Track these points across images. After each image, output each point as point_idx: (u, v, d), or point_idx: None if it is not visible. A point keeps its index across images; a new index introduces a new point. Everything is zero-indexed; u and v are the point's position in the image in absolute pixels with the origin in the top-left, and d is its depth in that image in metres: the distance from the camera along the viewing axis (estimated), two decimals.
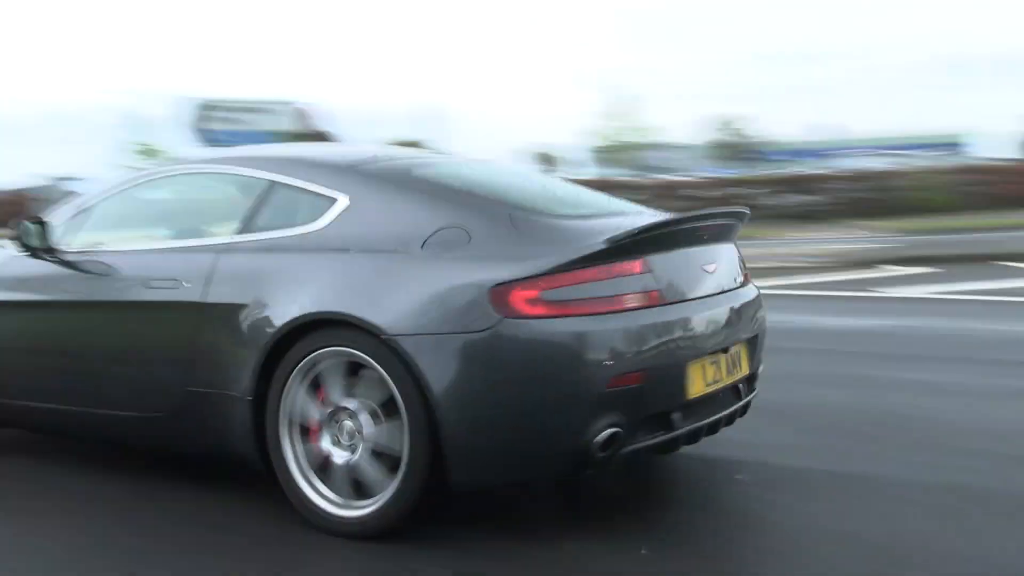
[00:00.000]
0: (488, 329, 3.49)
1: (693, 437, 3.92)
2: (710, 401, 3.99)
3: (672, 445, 3.87)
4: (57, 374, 4.56)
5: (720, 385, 4.01)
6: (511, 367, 3.49)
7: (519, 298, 3.53)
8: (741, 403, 4.25)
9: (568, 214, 3.96)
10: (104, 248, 4.57)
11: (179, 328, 4.12)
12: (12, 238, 4.79)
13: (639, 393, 3.60)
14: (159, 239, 4.52)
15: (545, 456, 3.58)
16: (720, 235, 4.25)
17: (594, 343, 3.51)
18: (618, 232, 3.67)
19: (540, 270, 3.56)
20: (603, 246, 3.62)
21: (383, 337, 3.57)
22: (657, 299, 3.75)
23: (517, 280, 3.53)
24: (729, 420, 4.16)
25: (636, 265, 3.73)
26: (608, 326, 3.56)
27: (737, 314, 4.16)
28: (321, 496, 3.90)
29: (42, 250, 4.69)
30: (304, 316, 3.75)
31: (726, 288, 4.20)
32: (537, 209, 3.92)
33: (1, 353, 4.78)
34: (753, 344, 4.33)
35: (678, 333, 3.77)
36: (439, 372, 3.52)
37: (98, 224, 4.73)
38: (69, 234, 4.73)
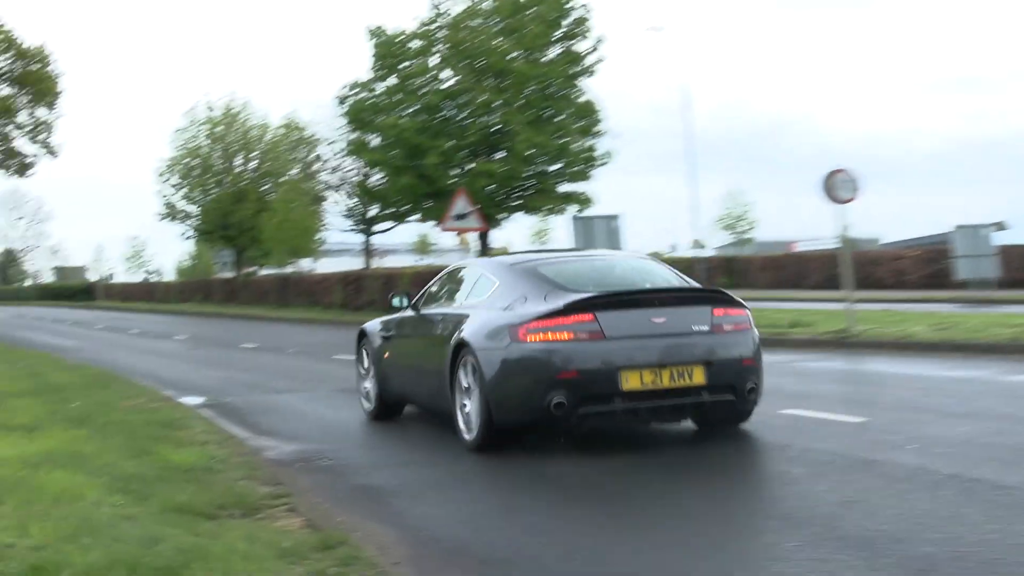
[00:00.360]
0: (507, 346, 8.43)
1: (634, 415, 8.48)
2: (651, 396, 8.41)
3: (619, 417, 8.43)
4: (420, 376, 10.39)
5: (659, 387, 8.43)
6: (514, 365, 8.37)
7: (520, 332, 8.43)
8: (691, 400, 8.60)
9: (580, 288, 8.83)
10: (430, 310, 10.53)
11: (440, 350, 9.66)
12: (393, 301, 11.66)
13: (577, 383, 8.24)
14: (443, 306, 10.35)
15: (529, 410, 8.38)
16: (683, 302, 8.72)
17: (550, 355, 8.26)
18: (584, 298, 8.44)
19: (530, 318, 8.44)
20: (564, 307, 8.34)
21: (467, 343, 8.77)
22: (600, 335, 8.37)
23: (522, 322, 8.47)
24: (677, 411, 8.74)
25: (589, 317, 8.38)
26: (558, 347, 8.29)
27: (682, 348, 8.55)
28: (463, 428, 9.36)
29: (411, 308, 11.00)
30: (460, 339, 9.11)
31: (672, 332, 8.55)
32: (567, 287, 8.83)
33: (391, 364, 11.25)
34: (711, 366, 8.61)
35: (612, 353, 8.36)
36: (487, 367, 8.57)
37: (429, 297, 10.95)
38: (424, 302, 10.89)
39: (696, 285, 9.32)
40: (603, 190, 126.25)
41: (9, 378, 17.75)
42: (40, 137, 46.59)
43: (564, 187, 36.25)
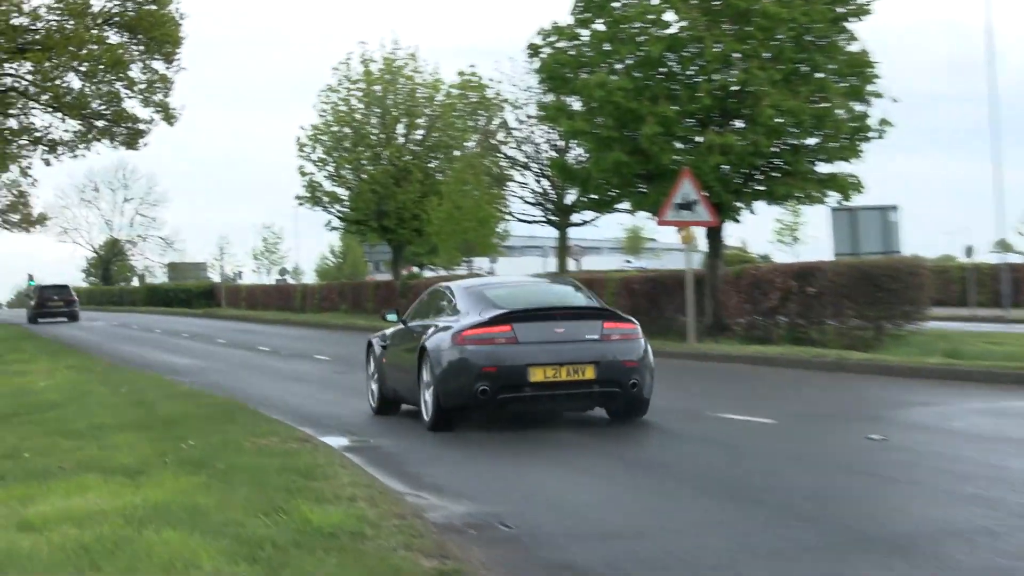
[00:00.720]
0: (449, 348, 15.54)
1: (538, 400, 15.45)
2: (552, 387, 15.24)
3: (528, 401, 15.43)
4: (404, 374, 17.05)
5: (558, 379, 15.23)
6: (454, 362, 15.43)
7: (459, 338, 15.52)
8: (583, 391, 15.45)
9: (509, 306, 15.82)
10: (413, 323, 17.63)
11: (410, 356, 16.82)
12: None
13: (495, 375, 15.16)
14: (420, 320, 17.46)
15: (464, 396, 15.32)
16: (579, 316, 15.75)
17: (479, 354, 15.27)
18: (504, 312, 15.58)
19: (465, 327, 15.60)
20: (489, 319, 15.46)
21: (426, 348, 15.99)
22: (515, 340, 15.30)
23: (462, 328, 15.60)
24: (575, 399, 15.74)
25: (507, 328, 15.33)
26: (483, 349, 15.29)
27: (575, 350, 15.34)
28: (424, 413, 16.33)
29: (401, 322, 18.09)
30: (423, 345, 16.29)
31: (569, 339, 15.38)
32: (498, 304, 15.93)
33: (386, 367, 18.13)
34: (599, 365, 15.34)
35: (523, 354, 15.21)
36: (435, 364, 15.63)
37: (413, 312, 18.09)
38: (410, 316, 18.04)
39: (595, 305, 16.68)
40: (874, 173, 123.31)
41: (110, 407, 18.41)
42: (155, 98, 48.03)
43: (823, 168, 35.57)
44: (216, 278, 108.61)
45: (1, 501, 10.27)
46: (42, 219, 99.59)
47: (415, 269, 69.61)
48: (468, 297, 16.55)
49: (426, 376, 15.90)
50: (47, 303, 76.63)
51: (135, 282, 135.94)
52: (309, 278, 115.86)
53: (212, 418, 16.34)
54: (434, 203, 54.55)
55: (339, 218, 64.53)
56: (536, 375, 15.16)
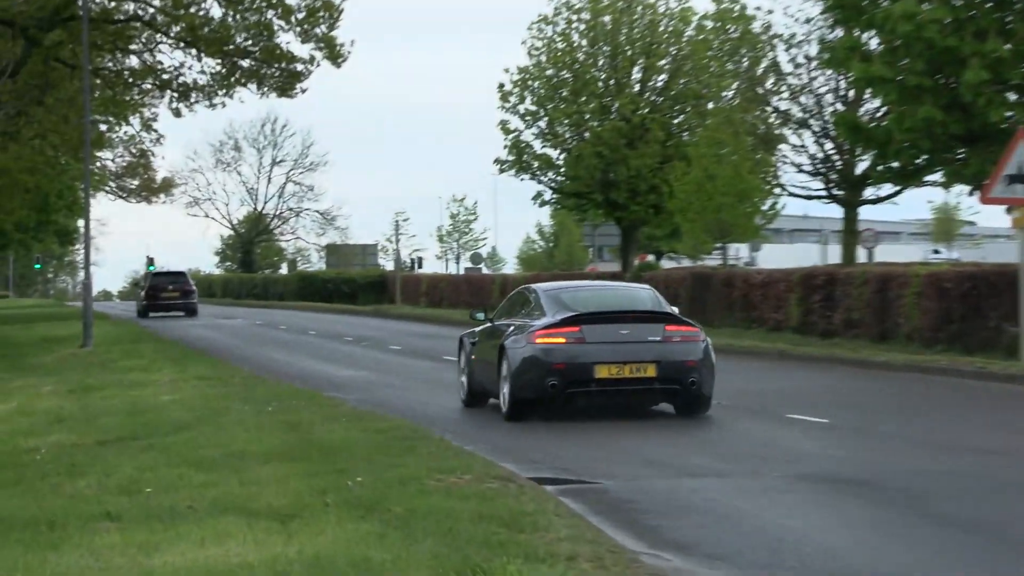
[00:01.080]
0: (523, 346, 22.35)
1: (604, 394, 22.38)
2: (616, 383, 22.10)
3: (594, 395, 22.40)
4: (489, 368, 23.71)
5: (622, 376, 22.01)
6: (527, 358, 22.21)
7: (533, 337, 22.36)
8: (645, 387, 22.17)
9: (580, 308, 23.01)
10: (500, 322, 24.75)
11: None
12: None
13: (564, 371, 22.08)
14: (505, 319, 24.58)
15: (535, 389, 22.12)
16: (642, 319, 22.63)
17: (549, 353, 22.11)
18: (573, 315, 22.67)
19: (539, 328, 22.52)
20: (559, 321, 22.42)
21: (504, 345, 22.83)
22: (582, 340, 22.23)
23: (536, 328, 22.48)
24: (639, 395, 22.55)
25: (576, 328, 22.28)
26: (554, 348, 22.18)
27: (641, 350, 22.07)
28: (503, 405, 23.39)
29: (488, 321, 25.34)
30: (502, 343, 23.16)
31: (632, 340, 22.20)
32: (570, 306, 23.19)
33: (474, 363, 25.14)
34: (660, 364, 21.91)
35: (589, 353, 22.12)
36: (512, 360, 22.43)
37: (500, 312, 25.81)
38: (496, 316, 25.60)
39: (664, 310, 23.03)
40: None
41: (253, 430, 18.67)
42: (318, 30, 48.41)
43: None
44: (389, 266, 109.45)
45: (117, 549, 10.45)
46: (167, 186, 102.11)
47: (650, 258, 69.69)
48: (547, 299, 23.30)
49: (504, 371, 22.37)
50: (160, 294, 78.50)
51: (284, 269, 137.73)
52: (510, 268, 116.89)
53: (385, 447, 16.50)
54: (678, 171, 54.33)
55: (552, 189, 64.88)
56: (601, 372, 21.70)
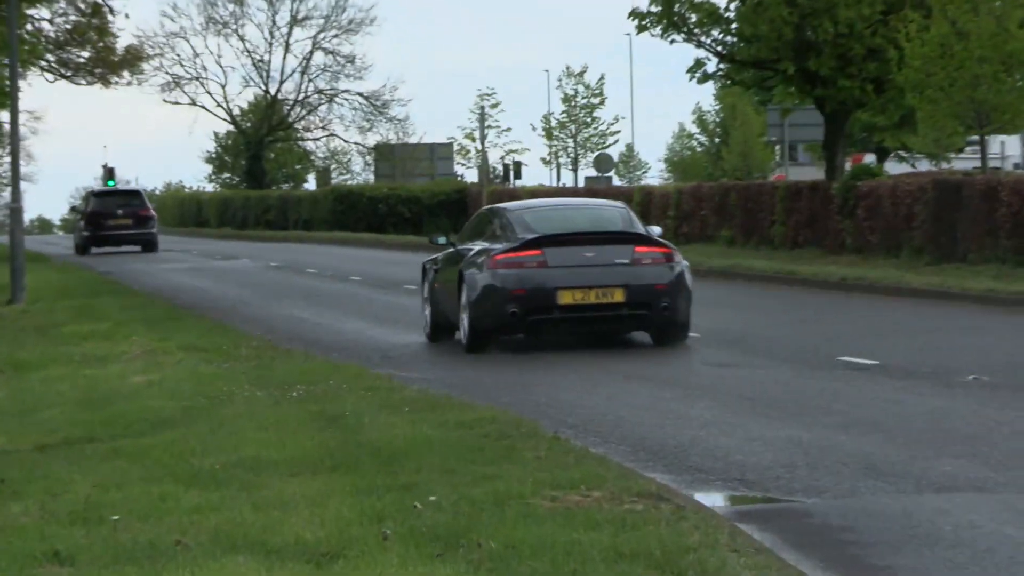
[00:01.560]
0: (482, 272, 34.28)
1: (569, 323, 35.23)
2: (581, 309, 34.08)
3: (558, 323, 35.04)
4: (450, 298, 36.54)
5: (587, 302, 33.67)
6: (486, 285, 34.11)
7: (491, 262, 34.30)
8: (612, 313, 33.99)
9: (544, 230, 35.32)
10: (461, 246, 38.40)
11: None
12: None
13: (525, 298, 34.07)
14: (466, 243, 38.13)
15: (494, 317, 34.23)
16: (609, 241, 34.01)
17: (509, 277, 34.08)
18: (534, 237, 35.31)
19: (499, 252, 34.62)
20: (520, 244, 34.30)
21: (462, 272, 35.47)
22: (544, 263, 34.08)
23: (495, 253, 34.63)
24: (606, 322, 35.05)
25: (538, 252, 34.10)
26: (513, 272, 34.17)
27: (608, 273, 33.17)
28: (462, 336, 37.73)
29: (451, 245, 39.01)
30: (460, 269, 36.39)
31: (599, 263, 33.42)
32: (534, 228, 35.17)
33: (436, 291, 37.79)
34: (629, 289, 32.77)
35: (552, 278, 33.86)
36: (470, 287, 34.46)
37: (462, 235, 40.75)
38: (459, 239, 40.29)
39: (634, 230, 33.24)
40: None
41: (272, 424, 18.77)
42: None
43: None
44: (471, 176, 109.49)
45: None
46: (134, 59, 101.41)
47: (869, 159, 69.64)
48: (512, 220, 30.97)
49: (463, 299, 30.25)
50: (105, 221, 79.23)
51: (311, 184, 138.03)
52: (653, 177, 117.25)
53: (472, 451, 16.58)
54: (912, 25, 53.91)
55: (720, 56, 64.85)
56: (565, 298, 29.74)
